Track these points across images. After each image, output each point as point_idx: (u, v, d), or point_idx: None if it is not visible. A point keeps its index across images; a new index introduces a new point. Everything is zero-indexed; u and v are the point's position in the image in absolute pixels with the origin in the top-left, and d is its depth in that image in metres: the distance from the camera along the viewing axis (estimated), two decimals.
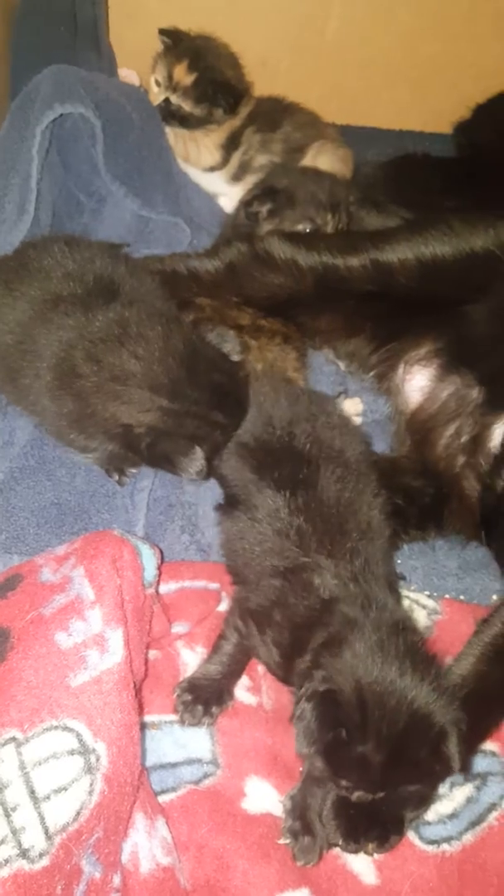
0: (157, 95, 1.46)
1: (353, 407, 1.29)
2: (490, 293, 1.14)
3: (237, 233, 1.32)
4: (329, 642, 0.83)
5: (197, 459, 0.96)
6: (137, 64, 1.53)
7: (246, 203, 1.34)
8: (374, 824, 0.81)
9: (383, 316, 1.22)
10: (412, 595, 1.10)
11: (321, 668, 0.81)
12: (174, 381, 0.97)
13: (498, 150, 1.48)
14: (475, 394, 1.14)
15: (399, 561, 1.15)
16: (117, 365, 0.97)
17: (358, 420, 1.28)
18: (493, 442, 1.11)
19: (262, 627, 0.89)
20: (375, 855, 0.84)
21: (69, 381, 0.99)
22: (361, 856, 0.86)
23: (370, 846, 0.82)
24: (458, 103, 1.60)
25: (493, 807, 0.93)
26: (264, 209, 1.31)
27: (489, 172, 1.45)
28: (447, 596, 1.12)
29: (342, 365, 1.32)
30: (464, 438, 1.14)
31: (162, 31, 1.44)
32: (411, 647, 0.83)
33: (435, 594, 1.12)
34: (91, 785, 0.76)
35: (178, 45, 1.44)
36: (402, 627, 0.85)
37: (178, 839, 0.86)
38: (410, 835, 0.89)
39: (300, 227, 1.29)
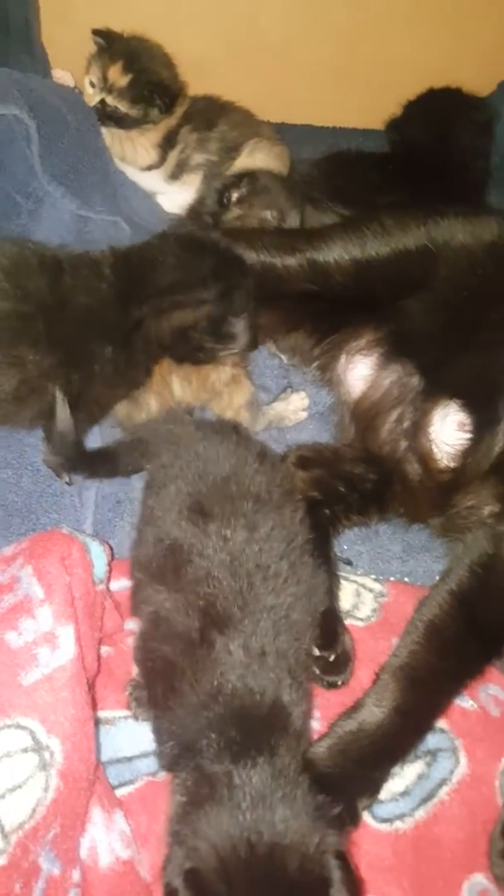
0: (92, 97, 1.44)
1: (298, 401, 1.29)
2: (425, 287, 1.16)
3: (199, 222, 1.31)
4: (189, 804, 0.75)
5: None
6: (71, 65, 1.51)
7: (219, 189, 1.34)
8: None
9: (322, 311, 1.23)
10: (359, 579, 1.11)
11: (183, 840, 0.72)
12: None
13: (428, 146, 1.49)
14: (416, 381, 1.15)
15: (345, 546, 1.16)
16: None
17: (303, 414, 1.28)
18: (433, 426, 1.12)
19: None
20: None
21: None
22: None
23: None
24: (390, 100, 1.61)
25: (443, 782, 0.94)
26: (236, 194, 1.31)
27: (420, 167, 1.46)
28: (392, 578, 1.13)
29: (285, 358, 1.32)
30: (406, 424, 1.15)
31: (95, 32, 1.42)
32: (285, 785, 0.75)
33: (381, 577, 1.12)
34: (46, 782, 0.75)
35: (111, 46, 1.42)
36: (279, 763, 0.76)
37: (138, 831, 0.86)
38: (364, 815, 0.89)
39: (267, 214, 1.30)
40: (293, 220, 1.31)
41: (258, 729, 0.79)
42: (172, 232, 1.21)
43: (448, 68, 1.60)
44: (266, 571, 0.89)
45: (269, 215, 1.30)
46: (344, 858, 0.72)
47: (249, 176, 1.33)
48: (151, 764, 0.90)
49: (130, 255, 1.12)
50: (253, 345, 1.14)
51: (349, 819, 0.86)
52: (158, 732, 0.86)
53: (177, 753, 0.81)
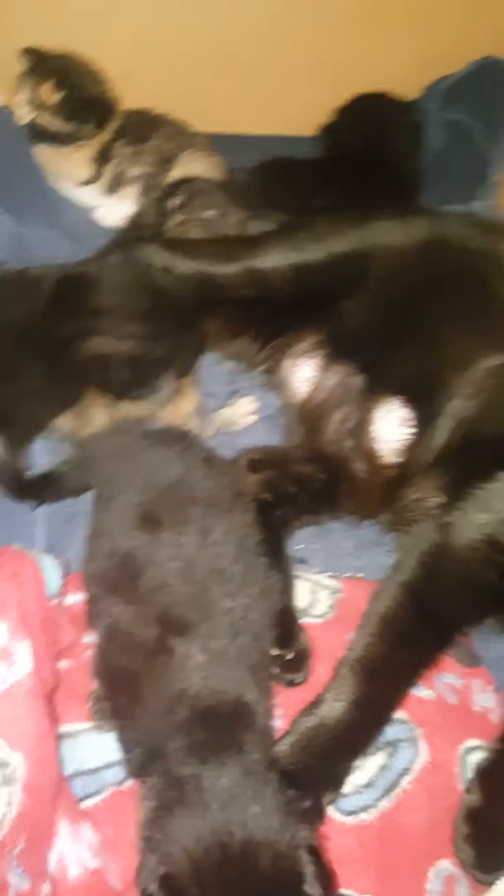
0: (23, 115, 1.43)
1: (246, 405, 1.30)
2: (362, 288, 1.17)
3: (139, 234, 1.32)
4: (160, 808, 0.75)
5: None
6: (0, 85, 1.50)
7: (157, 199, 1.35)
8: None
9: (264, 316, 1.23)
10: (313, 577, 1.12)
11: (156, 845, 0.72)
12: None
13: (359, 150, 1.51)
14: (358, 381, 1.17)
15: (301, 545, 1.17)
16: None
17: (252, 418, 1.29)
18: (377, 424, 1.13)
19: None
20: None
21: None
22: None
23: None
24: (322, 107, 1.63)
25: (405, 771, 0.95)
26: (176, 201, 1.31)
27: (353, 171, 1.48)
28: (346, 574, 1.14)
29: (232, 364, 1.33)
30: (351, 423, 1.16)
31: (24, 51, 1.42)
32: (255, 783, 0.76)
33: (335, 574, 1.13)
34: (10, 796, 0.75)
35: (41, 64, 1.42)
36: (246, 762, 0.77)
37: (106, 840, 0.85)
38: (329, 809, 0.90)
39: (208, 215, 1.31)
40: (234, 217, 1.32)
41: (224, 728, 0.80)
42: (129, 262, 1.21)
43: (376, 73, 1.62)
44: (221, 575, 0.90)
45: (210, 215, 1.31)
46: (316, 853, 0.73)
47: (185, 182, 1.34)
48: (117, 774, 0.90)
49: (76, 275, 1.12)
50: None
51: (315, 814, 0.87)
52: (124, 741, 0.86)
53: (144, 759, 0.80)
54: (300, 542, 1.16)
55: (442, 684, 1.03)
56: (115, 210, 1.45)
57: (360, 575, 1.16)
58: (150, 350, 1.12)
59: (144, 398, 1.14)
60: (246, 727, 0.81)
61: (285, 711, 0.94)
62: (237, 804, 0.73)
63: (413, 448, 1.10)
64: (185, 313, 1.19)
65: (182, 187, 1.34)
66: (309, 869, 0.72)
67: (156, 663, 0.82)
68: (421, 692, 1.00)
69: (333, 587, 1.11)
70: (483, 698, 1.03)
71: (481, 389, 1.05)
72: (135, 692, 0.83)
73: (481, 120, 1.57)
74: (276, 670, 0.97)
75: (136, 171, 1.45)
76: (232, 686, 0.83)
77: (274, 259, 1.19)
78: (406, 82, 1.65)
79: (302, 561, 1.15)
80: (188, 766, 0.76)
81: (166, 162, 1.45)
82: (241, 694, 0.83)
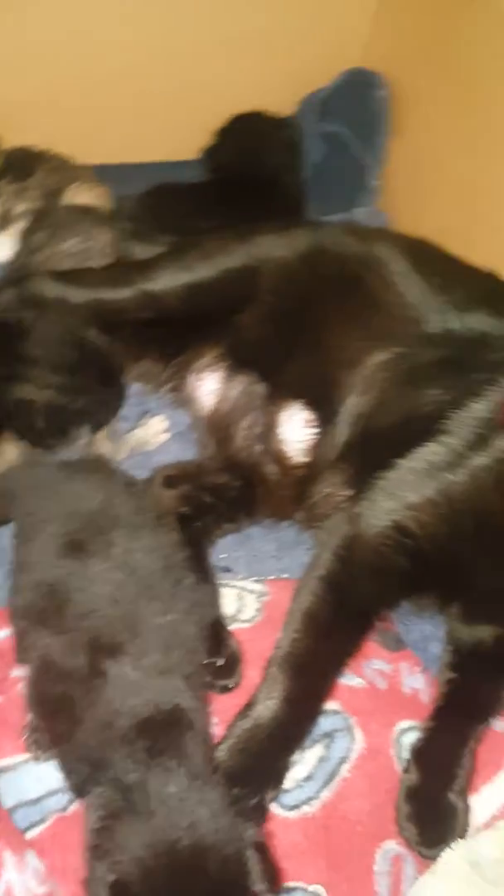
0: None
1: (157, 424, 1.30)
2: (253, 301, 1.21)
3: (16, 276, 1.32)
4: (108, 817, 0.74)
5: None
6: None
7: (23, 236, 1.35)
8: None
9: (164, 336, 1.25)
10: (239, 583, 1.12)
11: (103, 854, 0.72)
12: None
13: (240, 169, 1.54)
14: (260, 389, 1.19)
15: (224, 554, 1.17)
16: None
17: (165, 436, 1.30)
18: (282, 427, 1.16)
19: None
20: None
21: None
22: None
23: None
24: (203, 130, 1.65)
25: (343, 760, 0.96)
26: (41, 235, 1.31)
27: (237, 190, 1.51)
28: (271, 577, 1.15)
29: (139, 386, 1.33)
30: (257, 429, 1.19)
31: None
32: (200, 786, 0.76)
33: (260, 578, 1.14)
34: None
35: None
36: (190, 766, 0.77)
37: (53, 866, 0.84)
38: (272, 806, 0.90)
39: (70, 244, 1.31)
40: (102, 240, 1.32)
41: (165, 735, 0.80)
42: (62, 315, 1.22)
43: (252, 92, 1.65)
44: (149, 594, 0.90)
45: (72, 244, 1.31)
46: (262, 850, 0.74)
47: (43, 215, 1.34)
48: (59, 800, 0.88)
49: (8, 322, 1.14)
50: None
51: (258, 813, 0.87)
52: (65, 762, 0.85)
53: (87, 775, 0.79)
54: (223, 551, 1.17)
55: (371, 671, 1.05)
56: (4, 247, 1.45)
57: (285, 576, 1.17)
58: (70, 402, 1.13)
59: (58, 448, 1.14)
60: (186, 732, 0.82)
61: (221, 718, 0.94)
62: (183, 808, 0.73)
63: (318, 447, 1.13)
64: (107, 369, 1.20)
65: (44, 221, 1.34)
66: (255, 867, 0.72)
67: (91, 687, 0.82)
68: (351, 681, 1.02)
69: (259, 591, 1.12)
70: (412, 680, 1.05)
71: (372, 385, 1.08)
72: (72, 717, 0.82)
73: (355, 129, 1.62)
74: (209, 678, 0.97)
75: (21, 207, 1.45)
76: (168, 696, 0.83)
77: (166, 280, 1.20)
78: (281, 98, 1.69)
79: (227, 569, 1.16)
80: (133, 773, 0.76)
81: (52, 196, 1.45)
82: (178, 702, 0.83)
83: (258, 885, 0.72)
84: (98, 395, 1.17)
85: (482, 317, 1.08)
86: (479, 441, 0.95)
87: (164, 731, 0.80)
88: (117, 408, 1.21)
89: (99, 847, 0.72)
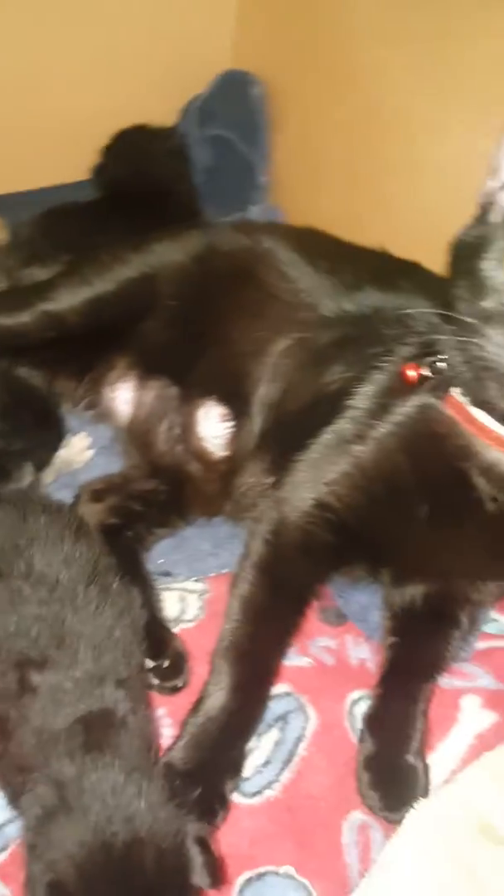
0: None
1: (79, 442, 1.29)
2: (155, 307, 1.21)
3: None
4: (43, 816, 0.73)
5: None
6: None
7: None
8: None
9: (73, 353, 1.24)
10: (180, 585, 1.12)
11: (40, 854, 0.70)
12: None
13: (130, 183, 1.54)
14: (173, 391, 1.20)
15: (162, 560, 1.17)
16: None
17: (89, 453, 1.29)
18: (199, 425, 1.16)
19: None
20: None
21: None
22: None
23: None
24: (91, 149, 1.65)
25: (299, 739, 0.96)
26: None
27: (130, 204, 1.51)
28: (211, 574, 1.15)
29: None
30: (176, 431, 1.19)
31: None
32: (136, 780, 0.74)
33: (200, 577, 1.14)
34: None
35: None
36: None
37: (18, 891, 0.82)
38: (235, 795, 0.90)
39: None
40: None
41: (99, 733, 0.79)
42: None
43: (133, 107, 1.65)
44: (74, 604, 0.89)
45: None
46: (204, 843, 0.73)
47: None
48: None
49: None
50: None
51: (220, 805, 0.87)
52: (3, 775, 0.83)
53: (21, 784, 0.77)
54: (160, 556, 1.17)
55: (317, 648, 1.05)
56: None
57: (225, 570, 1.16)
58: (7, 445, 1.12)
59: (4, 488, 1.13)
60: (120, 730, 0.80)
61: (177, 719, 0.94)
62: (119, 803, 0.72)
63: (236, 439, 1.14)
64: (42, 408, 1.20)
65: None
66: (197, 860, 0.71)
67: (21, 702, 0.81)
68: (299, 661, 1.03)
69: (200, 589, 1.12)
70: (357, 651, 1.06)
71: (278, 372, 1.10)
72: (4, 733, 0.81)
73: (237, 129, 1.63)
74: (157, 682, 0.97)
75: None
76: (99, 702, 0.82)
77: (65, 299, 1.20)
78: (163, 109, 1.69)
79: (167, 574, 1.15)
80: (67, 770, 0.74)
81: None
82: (109, 706, 0.82)
83: (201, 878, 0.71)
84: (36, 435, 1.17)
85: (373, 293, 1.11)
86: (381, 410, 0.97)
87: (97, 730, 0.79)
88: (57, 445, 1.20)
89: (36, 847, 0.71)
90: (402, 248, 1.20)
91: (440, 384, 0.92)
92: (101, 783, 0.73)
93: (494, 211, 0.88)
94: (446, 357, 0.90)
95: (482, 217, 0.89)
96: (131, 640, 0.91)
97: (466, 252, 0.86)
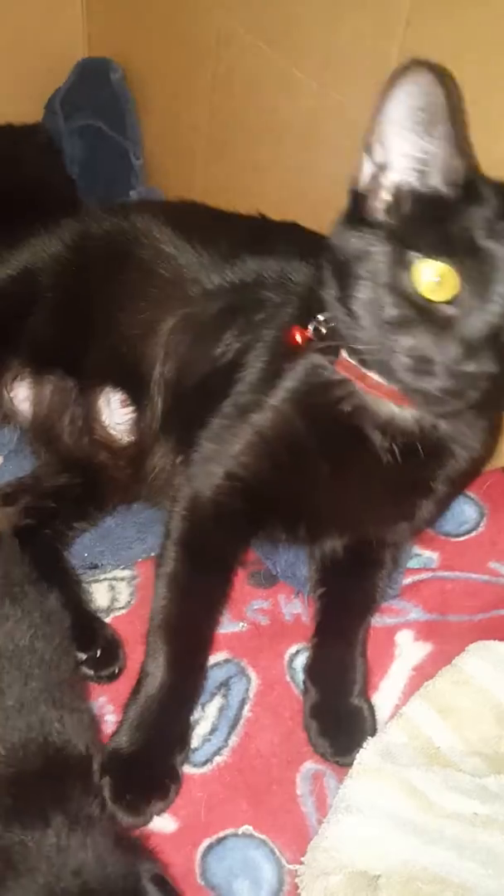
0: None
1: None
2: (38, 302, 1.18)
3: None
4: None
5: None
6: None
7: None
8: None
9: None
10: (108, 575, 1.11)
11: None
12: None
13: (1, 184, 1.50)
14: (70, 383, 1.17)
15: (86, 554, 1.15)
16: None
17: None
18: (102, 414, 1.15)
19: None
20: None
21: None
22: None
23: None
24: None
25: (243, 702, 0.96)
26: None
27: (4, 205, 1.46)
28: (140, 559, 1.14)
29: None
30: (80, 422, 1.17)
31: None
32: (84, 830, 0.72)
33: (129, 564, 1.13)
34: None
35: None
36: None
37: None
38: (185, 767, 0.90)
39: None
40: None
41: (38, 783, 0.76)
42: None
43: None
44: None
45: None
46: (160, 881, 0.71)
47: None
48: None
49: None
50: None
51: (172, 781, 0.87)
52: None
53: None
54: (84, 550, 1.15)
55: (252, 612, 1.06)
56: None
57: (153, 554, 1.15)
58: None
59: None
60: (63, 771, 0.78)
61: (116, 706, 0.94)
62: (67, 858, 0.69)
63: (140, 422, 1.13)
64: None
65: None
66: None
67: None
68: (234, 628, 1.03)
69: (129, 576, 1.11)
70: (290, 607, 1.07)
71: (170, 350, 1.09)
72: None
73: (104, 116, 1.60)
74: (91, 672, 0.96)
75: None
76: (36, 731, 0.78)
77: None
78: (25, 108, 1.65)
79: (94, 566, 1.13)
80: (10, 832, 0.71)
81: None
82: (47, 733, 0.79)
83: None
84: None
85: (252, 259, 1.10)
86: (273, 376, 0.97)
87: (39, 780, 0.76)
88: None
89: None
90: (275, 209, 1.20)
91: (328, 345, 0.92)
92: (44, 839, 0.70)
93: (376, 200, 0.83)
94: (329, 318, 0.90)
95: (356, 210, 0.85)
96: (57, 646, 0.89)
97: (340, 259, 0.85)
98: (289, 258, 1.08)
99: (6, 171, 1.51)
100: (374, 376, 0.88)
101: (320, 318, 0.91)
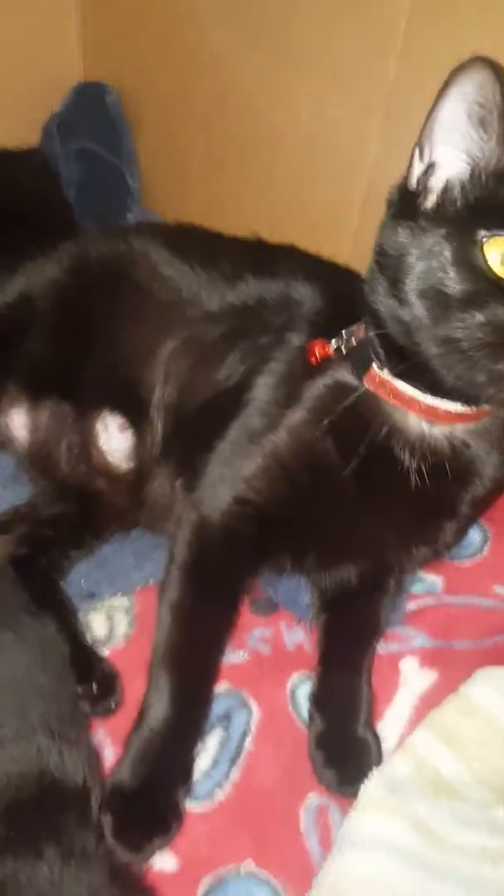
0: None
1: None
2: (36, 327, 1.17)
3: None
4: None
5: None
6: None
7: None
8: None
9: None
10: (106, 604, 1.09)
11: None
12: None
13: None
14: (67, 408, 1.16)
15: (83, 582, 1.13)
16: None
17: None
18: (100, 439, 1.13)
19: None
20: None
21: None
22: None
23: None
24: None
25: (244, 734, 0.94)
26: None
27: (1, 229, 1.46)
28: (138, 588, 1.12)
29: None
30: (77, 449, 1.15)
31: None
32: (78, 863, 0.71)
33: (127, 592, 1.11)
34: None
35: None
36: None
37: None
38: (186, 803, 0.88)
39: None
40: None
41: (33, 815, 0.74)
42: None
43: None
44: None
45: None
46: None
47: None
48: None
49: None
50: None
51: (174, 817, 0.85)
52: None
53: None
54: (80, 578, 1.13)
55: (253, 640, 1.04)
56: None
57: (151, 582, 1.14)
58: None
59: None
60: (57, 802, 0.76)
61: (114, 738, 0.92)
62: (60, 892, 0.68)
63: (139, 448, 1.11)
64: None
65: None
66: None
67: None
68: (235, 657, 1.01)
69: (127, 605, 1.09)
70: (292, 636, 1.05)
71: (171, 374, 1.08)
72: None
73: (101, 139, 1.60)
74: (88, 707, 0.94)
75: None
76: (32, 764, 0.77)
77: None
78: (22, 133, 1.65)
79: (91, 595, 1.12)
80: (3, 865, 0.69)
81: None
82: (45, 766, 0.77)
83: None
84: None
85: (253, 282, 1.09)
86: (288, 397, 0.96)
87: (34, 811, 0.74)
88: None
89: None
90: (272, 228, 1.20)
91: (355, 361, 0.91)
92: (40, 873, 0.68)
93: (429, 195, 0.83)
94: (359, 332, 0.89)
95: (404, 208, 0.85)
96: (55, 678, 0.87)
97: (391, 255, 0.83)
98: (290, 280, 1.08)
99: (3, 194, 1.50)
100: (408, 389, 0.87)
101: (343, 335, 0.90)
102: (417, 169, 0.83)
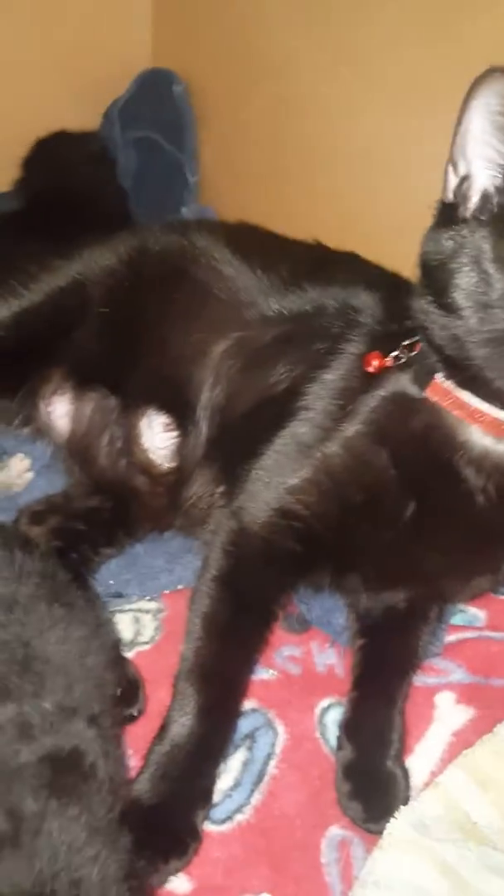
0: None
1: (18, 464, 1.23)
2: (87, 315, 1.15)
3: None
4: None
5: None
6: None
7: None
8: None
9: (2, 370, 1.18)
10: (133, 606, 1.06)
11: None
12: None
13: (55, 191, 1.49)
14: (112, 402, 1.14)
15: (111, 581, 1.11)
16: None
17: (29, 475, 1.22)
18: (143, 436, 1.11)
19: None
20: None
21: None
22: None
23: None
24: (11, 161, 1.59)
25: (269, 757, 0.91)
26: None
27: (56, 212, 1.45)
28: (166, 591, 1.09)
29: None
30: (119, 444, 1.13)
31: None
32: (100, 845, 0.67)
33: (155, 595, 1.08)
34: None
35: None
36: None
37: None
38: (205, 824, 0.84)
39: None
40: None
41: (65, 776, 0.71)
42: None
43: (53, 114, 1.60)
44: (39, 625, 0.82)
45: None
46: None
47: None
48: None
49: None
50: None
51: (191, 838, 0.81)
52: None
53: None
54: (110, 577, 1.11)
55: (282, 659, 1.01)
56: None
57: (180, 586, 1.11)
58: None
59: None
60: (88, 779, 0.74)
61: (134, 748, 0.88)
62: (71, 861, 0.64)
63: (182, 448, 1.09)
64: None
65: None
66: None
67: None
68: (263, 675, 0.98)
69: (155, 608, 1.06)
70: (323, 657, 1.02)
71: (221, 375, 1.05)
72: None
73: (162, 129, 1.58)
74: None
75: None
76: (67, 739, 0.74)
77: None
78: (84, 114, 1.64)
79: (118, 595, 1.09)
80: (29, 806, 0.66)
81: None
82: (77, 745, 0.75)
83: None
84: None
85: (312, 287, 1.06)
86: (342, 409, 0.92)
87: (64, 771, 0.71)
88: None
89: None
90: (331, 237, 1.17)
91: (418, 371, 0.88)
92: (60, 833, 0.65)
93: (467, 204, 0.82)
94: (421, 342, 0.86)
95: (447, 217, 0.84)
96: (103, 667, 0.85)
97: (433, 264, 0.83)
98: (350, 288, 1.05)
99: (59, 179, 1.49)
100: (472, 400, 0.84)
101: (403, 346, 0.88)
102: (452, 182, 0.84)
